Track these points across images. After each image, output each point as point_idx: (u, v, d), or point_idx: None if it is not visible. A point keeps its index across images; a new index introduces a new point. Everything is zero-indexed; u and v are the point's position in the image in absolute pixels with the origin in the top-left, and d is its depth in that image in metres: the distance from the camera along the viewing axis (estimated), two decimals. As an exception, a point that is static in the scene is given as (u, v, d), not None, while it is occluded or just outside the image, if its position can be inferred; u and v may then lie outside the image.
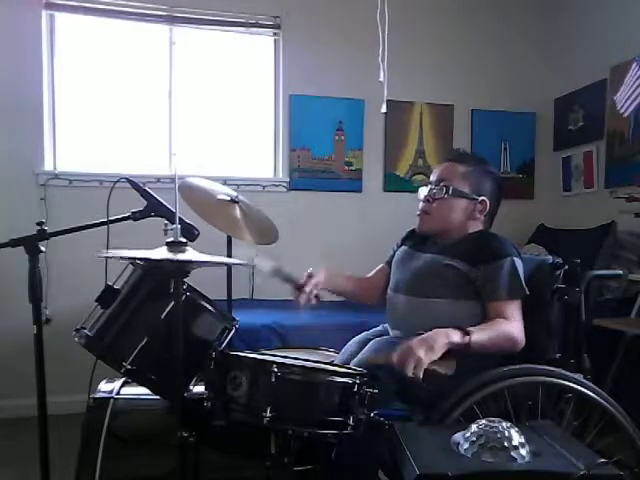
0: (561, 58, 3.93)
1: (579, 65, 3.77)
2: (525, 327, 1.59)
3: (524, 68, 3.99)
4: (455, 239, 1.74)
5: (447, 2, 3.88)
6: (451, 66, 3.87)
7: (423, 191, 1.82)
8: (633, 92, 2.81)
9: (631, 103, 2.84)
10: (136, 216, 1.57)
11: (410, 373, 1.39)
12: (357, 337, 1.82)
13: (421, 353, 1.41)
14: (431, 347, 1.43)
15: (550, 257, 1.76)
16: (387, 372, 1.50)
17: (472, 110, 3.95)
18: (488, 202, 1.76)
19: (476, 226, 1.78)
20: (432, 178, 1.83)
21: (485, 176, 1.80)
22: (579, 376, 1.61)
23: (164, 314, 1.40)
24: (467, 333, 1.49)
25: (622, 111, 2.92)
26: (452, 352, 1.47)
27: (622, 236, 3.19)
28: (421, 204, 1.81)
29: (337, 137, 3.74)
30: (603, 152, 3.49)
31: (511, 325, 1.57)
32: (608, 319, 2.64)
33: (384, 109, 2.78)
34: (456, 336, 1.48)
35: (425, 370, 1.41)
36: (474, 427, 1.18)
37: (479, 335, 1.50)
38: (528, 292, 1.63)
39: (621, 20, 3.40)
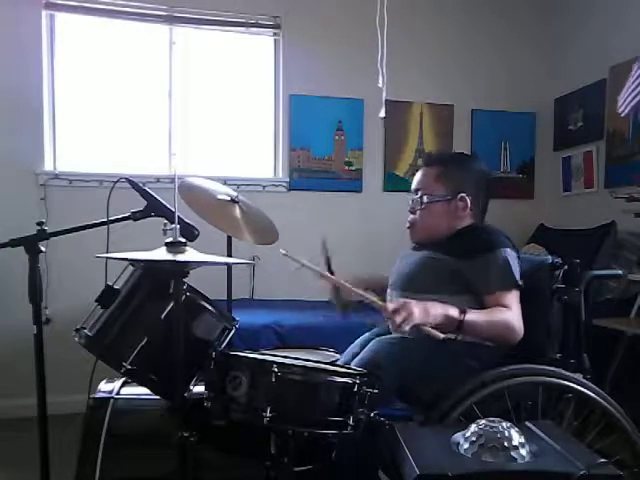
0: (561, 58, 3.93)
1: (579, 65, 3.76)
2: (525, 327, 1.59)
3: (524, 68, 3.99)
4: (447, 237, 1.76)
5: (447, 2, 3.88)
6: (451, 66, 3.86)
7: (409, 202, 1.85)
8: (631, 92, 2.79)
9: (628, 104, 2.83)
10: (136, 216, 1.57)
11: (398, 321, 1.42)
12: (359, 339, 1.84)
13: (415, 311, 1.44)
14: (427, 311, 1.47)
15: (550, 257, 1.77)
16: (387, 372, 1.50)
17: (472, 110, 3.95)
18: (468, 198, 1.76)
19: (464, 222, 1.78)
20: (412, 187, 1.85)
21: (460, 172, 1.79)
22: (579, 376, 1.61)
23: (164, 314, 1.40)
24: (463, 311, 1.52)
25: (620, 110, 2.91)
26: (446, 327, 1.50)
27: (622, 236, 3.18)
28: (409, 216, 1.84)
29: (337, 137, 3.74)
30: (603, 152, 3.49)
31: (508, 313, 1.57)
32: (608, 319, 2.64)
33: (382, 114, 2.78)
34: (452, 310, 1.51)
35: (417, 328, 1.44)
36: (474, 427, 1.18)
37: (474, 315, 1.53)
38: (521, 282, 1.64)
39: (621, 20, 3.40)
